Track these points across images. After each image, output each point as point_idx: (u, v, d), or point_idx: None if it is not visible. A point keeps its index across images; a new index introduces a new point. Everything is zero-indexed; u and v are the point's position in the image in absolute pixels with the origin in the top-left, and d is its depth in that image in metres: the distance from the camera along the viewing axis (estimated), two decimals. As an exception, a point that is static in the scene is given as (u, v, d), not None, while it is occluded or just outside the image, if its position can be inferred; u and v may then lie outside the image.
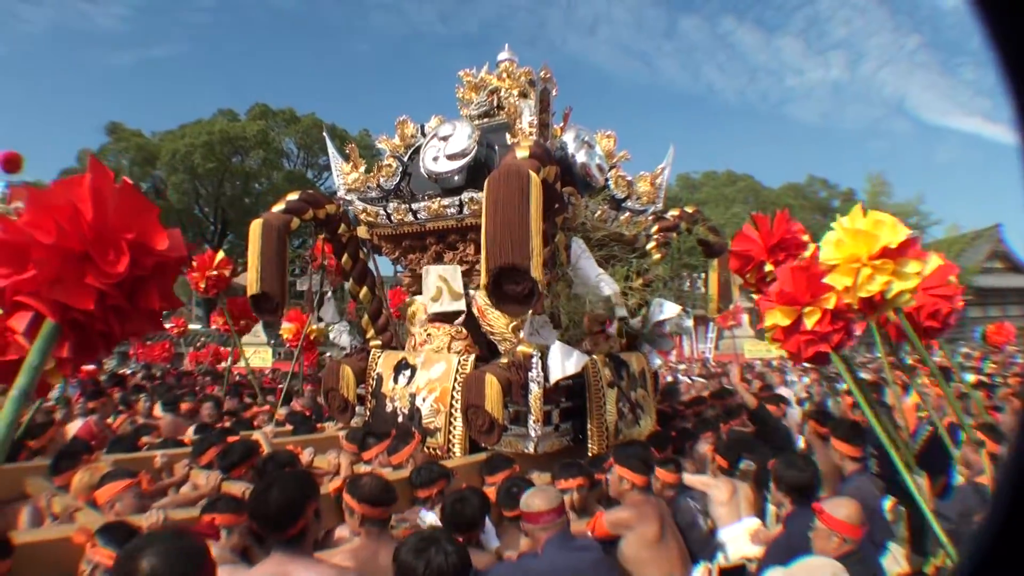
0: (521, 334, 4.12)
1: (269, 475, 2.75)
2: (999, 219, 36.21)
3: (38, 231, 1.33)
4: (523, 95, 4.76)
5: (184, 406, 6.45)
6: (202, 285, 7.81)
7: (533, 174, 3.28)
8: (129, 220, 1.41)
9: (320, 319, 6.53)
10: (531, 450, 3.94)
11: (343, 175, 5.15)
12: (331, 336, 6.54)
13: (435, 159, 4.52)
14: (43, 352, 1.37)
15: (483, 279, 3.29)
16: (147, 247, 1.43)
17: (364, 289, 5.11)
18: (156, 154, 29.18)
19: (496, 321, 4.47)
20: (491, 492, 3.14)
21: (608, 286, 4.28)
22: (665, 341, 5.52)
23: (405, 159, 4.94)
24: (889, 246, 2.68)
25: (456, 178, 4.47)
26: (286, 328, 9.60)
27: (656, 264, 5.23)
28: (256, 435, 4.52)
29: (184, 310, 33.83)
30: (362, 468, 3.80)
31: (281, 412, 6.54)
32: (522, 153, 3.51)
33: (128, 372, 11.85)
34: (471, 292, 4.61)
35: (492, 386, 3.83)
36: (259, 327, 16.67)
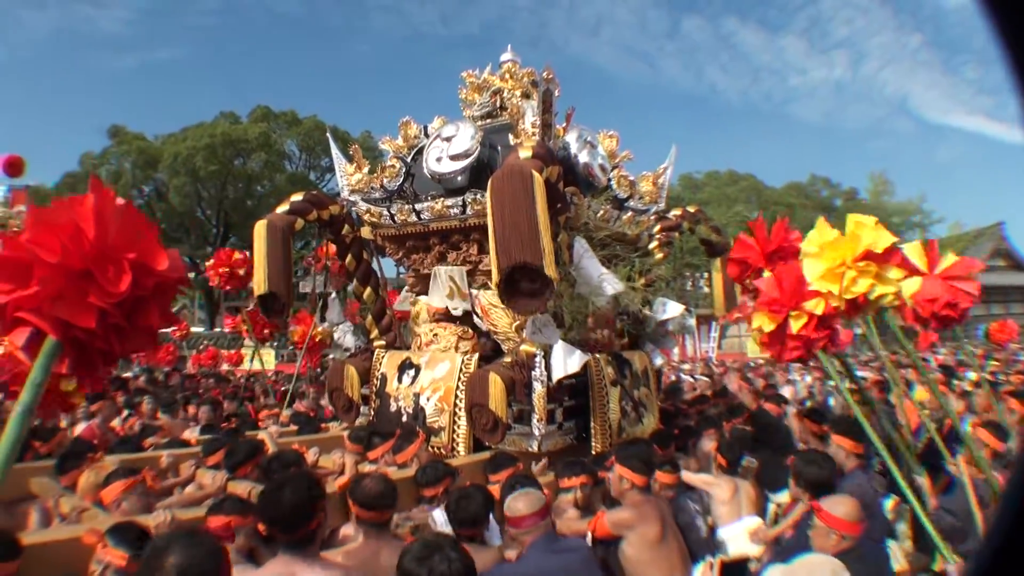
0: (524, 333, 4.13)
1: (279, 476, 2.77)
2: (1002, 217, 36.23)
3: (42, 249, 1.35)
4: (526, 96, 4.78)
5: (191, 410, 6.48)
6: (217, 280, 7.91)
7: (536, 173, 3.29)
8: (130, 240, 1.43)
9: (324, 320, 6.56)
10: (535, 448, 3.95)
11: (346, 176, 5.16)
12: (335, 336, 6.56)
13: (438, 160, 4.54)
14: (45, 369, 1.39)
15: (495, 278, 3.30)
16: (148, 267, 1.45)
17: (368, 290, 5.13)
18: (158, 157, 29.20)
19: (499, 320, 4.49)
20: (495, 490, 3.15)
21: (611, 285, 4.30)
22: (668, 340, 5.54)
23: (408, 160, 4.96)
24: (872, 249, 2.75)
25: (459, 178, 4.48)
26: (294, 331, 9.66)
27: (659, 264, 5.25)
28: (261, 435, 4.54)
29: (187, 313, 33.96)
30: (367, 467, 3.81)
31: (285, 414, 6.56)
32: (525, 153, 3.53)
33: (130, 375, 11.87)
34: (474, 292, 4.63)
35: (496, 385, 3.84)
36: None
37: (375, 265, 5.30)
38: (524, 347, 4.11)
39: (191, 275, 31.82)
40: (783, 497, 3.90)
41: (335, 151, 5.41)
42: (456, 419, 4.24)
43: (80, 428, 5.42)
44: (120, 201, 1.49)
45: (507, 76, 4.99)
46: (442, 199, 4.57)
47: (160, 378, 11.37)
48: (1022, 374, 9.59)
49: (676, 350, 19.49)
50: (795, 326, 2.89)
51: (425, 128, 5.11)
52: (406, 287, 5.41)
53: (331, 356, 9.43)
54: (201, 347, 18.59)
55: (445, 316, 4.68)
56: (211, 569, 1.57)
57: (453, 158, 4.48)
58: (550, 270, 3.17)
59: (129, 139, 29.79)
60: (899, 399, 4.75)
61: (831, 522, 2.56)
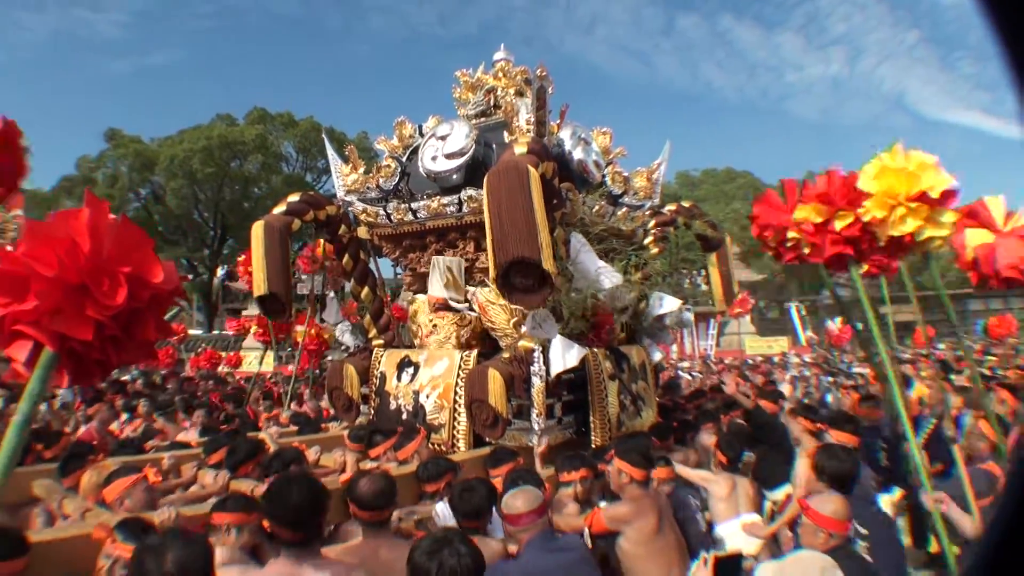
0: (523, 329, 4.16)
1: (284, 475, 2.79)
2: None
3: (38, 263, 1.37)
4: (519, 94, 4.81)
5: (191, 413, 6.49)
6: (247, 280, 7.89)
7: (532, 169, 3.31)
8: (126, 253, 1.45)
9: (323, 320, 6.56)
10: (535, 443, 3.98)
11: (342, 176, 5.19)
12: (336, 334, 6.60)
13: (434, 158, 4.57)
14: (43, 380, 1.41)
15: (492, 273, 3.32)
16: (143, 280, 1.47)
17: (365, 289, 5.15)
18: (155, 160, 29.14)
19: (497, 317, 4.51)
20: (497, 483, 3.17)
21: (608, 279, 4.32)
22: (665, 334, 5.57)
23: (403, 159, 4.98)
24: (929, 192, 2.65)
25: (455, 177, 4.51)
26: (300, 331, 9.68)
27: (654, 259, 5.28)
28: (261, 435, 4.57)
29: (184, 316, 33.94)
30: (369, 465, 3.83)
31: (285, 415, 6.59)
32: (520, 149, 3.54)
33: (128, 379, 11.88)
34: (471, 289, 4.65)
35: (495, 381, 3.87)
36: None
37: (372, 266, 5.32)
38: (522, 343, 4.14)
39: (189, 277, 31.86)
40: (779, 494, 3.93)
41: (331, 152, 5.43)
42: (456, 415, 4.26)
43: (80, 432, 5.45)
44: (113, 217, 1.51)
45: (500, 75, 5.02)
46: (438, 197, 4.59)
47: (158, 381, 11.38)
48: (1021, 369, 9.60)
49: (675, 347, 19.54)
50: (839, 224, 2.78)
51: (420, 127, 5.14)
52: (404, 287, 5.43)
53: (330, 358, 9.47)
54: (199, 350, 18.56)
55: (444, 306, 4.70)
56: (203, 567, 1.72)
57: (448, 156, 4.51)
58: (548, 264, 3.18)
59: (125, 142, 29.73)
60: (900, 395, 4.77)
61: (819, 520, 2.54)
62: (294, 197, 4.61)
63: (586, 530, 3.14)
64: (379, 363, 4.91)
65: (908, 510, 4.36)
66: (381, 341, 5.18)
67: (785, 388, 9.22)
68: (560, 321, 4.28)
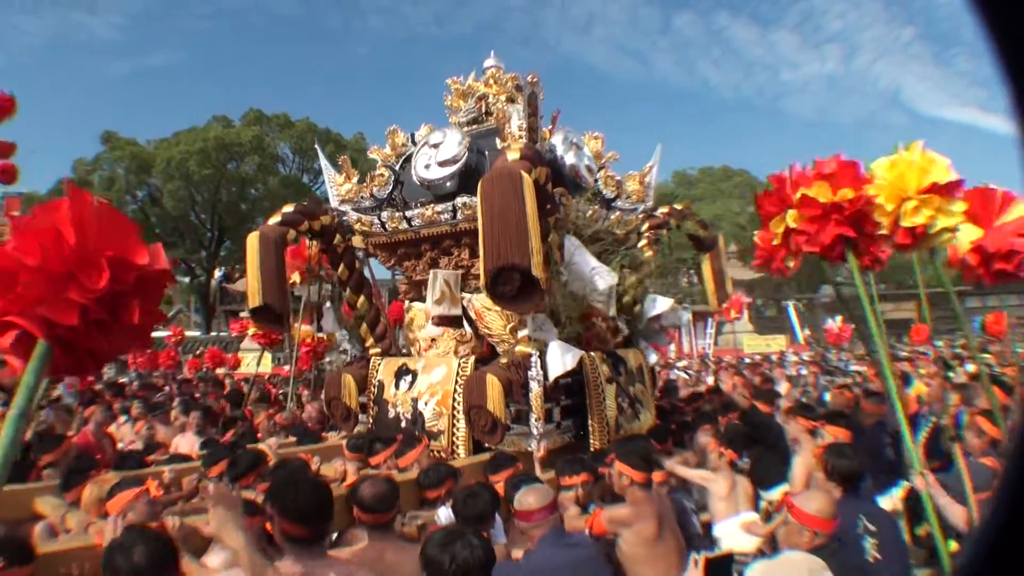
0: (520, 334, 4.19)
1: (287, 474, 2.81)
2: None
3: (24, 255, 1.39)
4: (510, 100, 4.83)
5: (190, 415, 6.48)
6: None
7: (525, 175, 3.34)
8: (109, 239, 1.46)
9: (320, 329, 6.57)
10: (534, 448, 4.01)
11: (336, 186, 5.20)
12: (338, 339, 6.59)
13: (427, 166, 4.59)
14: (37, 372, 1.43)
15: (482, 280, 3.35)
16: (127, 262, 1.48)
17: (361, 298, 5.16)
18: (151, 162, 29.11)
19: (493, 323, 4.54)
20: (498, 489, 3.20)
21: (603, 279, 4.34)
22: (661, 336, 5.60)
23: (396, 168, 5.00)
24: (939, 183, 2.69)
25: (448, 184, 4.53)
26: (306, 331, 9.70)
27: (649, 261, 5.31)
28: (261, 446, 4.59)
29: (182, 317, 33.92)
30: (370, 473, 3.85)
31: (282, 416, 6.58)
32: (513, 155, 3.58)
33: (126, 381, 11.89)
34: (467, 296, 4.68)
35: (493, 386, 3.88)
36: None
37: (366, 270, 5.33)
38: (520, 348, 4.16)
39: (186, 279, 31.80)
40: (774, 495, 3.97)
41: (324, 162, 5.44)
42: (455, 422, 4.29)
43: (76, 434, 5.44)
44: (96, 202, 1.52)
45: (491, 81, 5.04)
46: (432, 205, 4.61)
47: (157, 383, 11.41)
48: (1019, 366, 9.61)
49: (672, 347, 19.54)
50: (844, 197, 2.73)
51: (412, 136, 5.15)
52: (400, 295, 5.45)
53: (328, 359, 9.48)
54: (197, 352, 18.57)
55: (443, 321, 4.72)
56: (167, 559, 1.97)
57: (441, 164, 4.53)
58: (538, 270, 3.21)
59: (122, 144, 29.70)
60: (898, 392, 4.81)
61: (803, 519, 2.54)
62: (289, 208, 4.63)
63: (587, 532, 3.18)
64: (377, 371, 4.92)
65: (908, 509, 4.40)
66: (378, 349, 5.20)
67: (783, 385, 9.25)
68: (558, 325, 4.31)
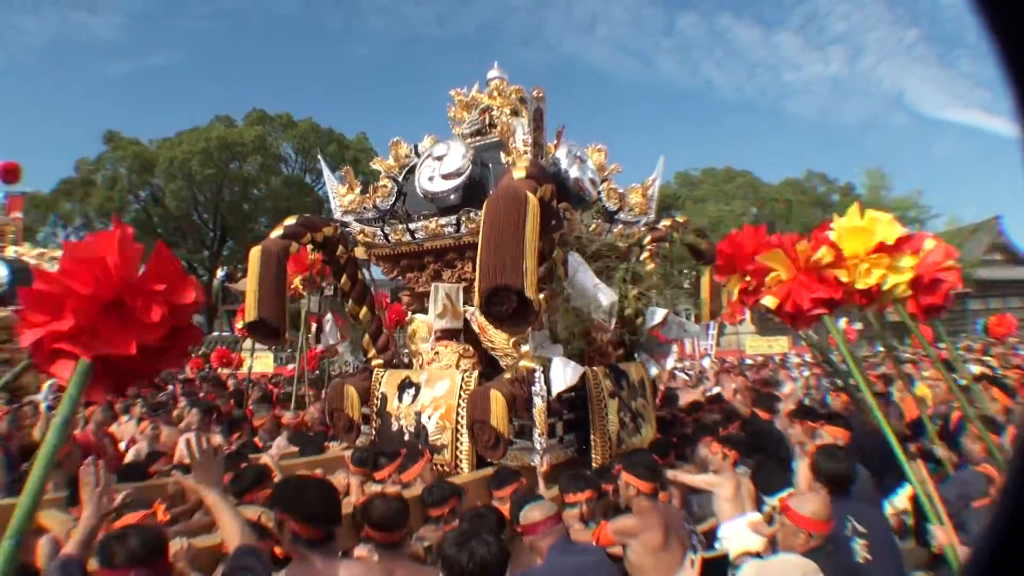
0: (524, 348, 4.19)
1: (291, 479, 2.82)
2: (999, 211, 36.10)
3: (74, 281, 1.47)
4: (515, 113, 4.82)
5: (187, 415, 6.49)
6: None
7: (532, 196, 3.35)
8: (163, 276, 1.58)
9: (319, 341, 6.56)
10: (537, 463, 4.01)
11: (339, 197, 5.19)
12: (340, 351, 6.59)
13: (430, 179, 4.58)
14: (80, 386, 1.51)
15: (476, 299, 3.36)
16: (180, 306, 1.60)
17: (364, 309, 5.16)
18: (154, 162, 29.16)
19: (497, 337, 4.53)
20: (500, 506, 3.23)
21: (606, 296, 4.34)
22: (663, 348, 5.59)
23: (400, 179, 5.00)
24: (885, 242, 2.82)
25: (452, 197, 4.53)
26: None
27: (651, 274, 5.30)
28: (264, 458, 4.58)
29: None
30: (373, 487, 3.85)
31: (287, 416, 6.58)
32: (519, 174, 3.57)
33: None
34: (470, 309, 4.67)
35: (497, 401, 3.89)
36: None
37: (367, 276, 5.32)
38: (523, 363, 4.16)
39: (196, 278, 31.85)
40: (777, 500, 3.97)
41: (327, 173, 5.43)
42: (459, 436, 4.29)
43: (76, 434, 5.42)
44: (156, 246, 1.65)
45: (495, 93, 5.02)
46: (436, 218, 4.61)
47: (159, 383, 11.42)
48: (1020, 368, 9.61)
49: (674, 347, 19.48)
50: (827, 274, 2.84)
51: (415, 147, 5.15)
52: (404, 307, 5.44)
53: (332, 359, 9.45)
54: (204, 350, 18.63)
55: (446, 335, 4.73)
56: (159, 546, 2.09)
57: (445, 177, 4.52)
58: (531, 292, 3.21)
59: (124, 144, 29.74)
60: (901, 393, 4.80)
61: (798, 521, 2.55)
62: (291, 220, 4.63)
63: (593, 543, 3.19)
64: (380, 384, 4.92)
65: (915, 509, 4.39)
66: (380, 361, 5.19)
67: (788, 386, 9.20)
68: (559, 342, 4.31)
